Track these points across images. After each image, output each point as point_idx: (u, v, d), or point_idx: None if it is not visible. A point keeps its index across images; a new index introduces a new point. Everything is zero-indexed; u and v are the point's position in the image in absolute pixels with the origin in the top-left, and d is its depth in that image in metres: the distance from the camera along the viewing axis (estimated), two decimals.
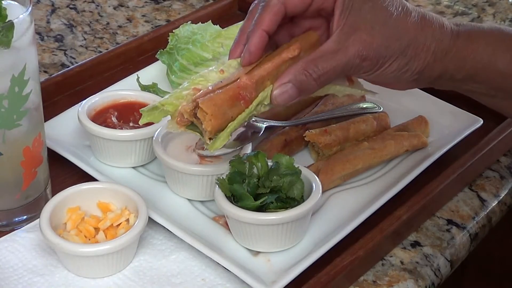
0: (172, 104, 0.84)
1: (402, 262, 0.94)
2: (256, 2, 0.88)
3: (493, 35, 0.87)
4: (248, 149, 0.97)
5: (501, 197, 1.05)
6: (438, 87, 0.91)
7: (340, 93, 0.91)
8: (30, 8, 0.86)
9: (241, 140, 0.98)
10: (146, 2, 1.45)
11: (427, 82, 0.88)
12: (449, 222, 1.00)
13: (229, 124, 0.84)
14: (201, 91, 0.84)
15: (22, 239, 0.92)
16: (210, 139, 0.84)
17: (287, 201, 0.89)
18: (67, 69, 1.21)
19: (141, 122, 0.87)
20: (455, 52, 0.85)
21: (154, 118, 0.86)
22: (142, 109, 0.86)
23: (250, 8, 0.88)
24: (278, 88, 0.84)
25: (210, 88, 0.84)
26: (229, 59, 0.87)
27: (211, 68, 0.86)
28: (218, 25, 1.18)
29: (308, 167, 0.98)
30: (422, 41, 0.84)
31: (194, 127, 0.85)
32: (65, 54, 1.30)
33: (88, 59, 1.23)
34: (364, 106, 1.10)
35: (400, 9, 0.84)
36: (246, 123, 1.00)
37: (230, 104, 0.83)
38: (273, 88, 0.84)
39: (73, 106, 1.09)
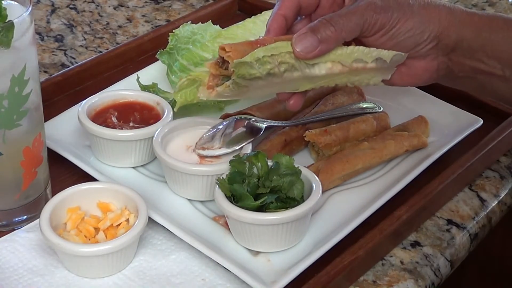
0: (201, 74, 0.86)
1: (402, 262, 0.94)
2: None
3: (502, 17, 0.91)
4: (248, 149, 0.97)
5: (501, 197, 1.05)
6: (458, 71, 0.93)
7: (368, 57, 0.90)
8: (30, 8, 0.86)
9: (241, 140, 0.99)
10: (146, 2, 1.45)
11: (446, 57, 0.90)
12: (449, 222, 1.00)
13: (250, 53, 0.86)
14: None
15: (22, 239, 0.92)
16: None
17: (287, 201, 0.89)
18: (67, 69, 1.21)
19: (176, 108, 0.88)
20: (470, 23, 0.89)
21: (190, 96, 0.87)
22: (174, 93, 0.87)
23: None
24: (298, 36, 0.86)
25: None
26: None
27: None
28: (218, 25, 1.18)
29: (308, 167, 0.98)
30: (432, 7, 0.89)
31: (221, 83, 0.86)
32: (65, 54, 1.30)
33: (88, 59, 1.23)
34: (364, 106, 1.10)
35: None
36: (246, 122, 1.00)
37: (250, 47, 0.86)
38: (293, 38, 0.87)
39: (73, 106, 1.09)
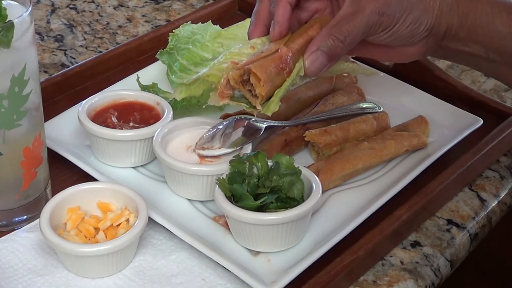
0: (215, 76, 0.86)
1: (402, 262, 0.94)
2: None
3: (489, 0, 0.92)
4: (248, 149, 0.97)
5: (501, 197, 1.05)
6: (444, 53, 0.94)
7: (355, 72, 0.95)
8: (30, 8, 0.86)
9: (241, 140, 0.99)
10: (146, 2, 1.45)
11: (435, 43, 0.92)
12: (449, 222, 1.00)
13: (276, 91, 0.87)
14: (245, 60, 0.87)
15: (22, 239, 0.92)
16: (260, 105, 0.88)
17: (287, 201, 0.89)
18: (67, 69, 1.21)
19: (179, 97, 0.87)
20: (458, 7, 0.90)
21: (195, 91, 0.87)
22: (182, 82, 0.86)
23: None
24: (309, 57, 0.88)
25: (252, 57, 0.87)
26: (250, 39, 0.92)
27: (238, 46, 0.89)
28: (218, 25, 1.18)
29: (308, 167, 0.98)
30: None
31: (237, 98, 0.87)
32: (65, 54, 1.30)
33: (88, 59, 1.23)
34: (364, 106, 1.10)
35: None
36: (246, 122, 1.00)
37: (276, 73, 0.87)
38: (304, 58, 0.88)
39: (73, 106, 1.09)
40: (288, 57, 0.88)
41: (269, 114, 0.88)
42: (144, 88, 1.10)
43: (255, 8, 0.93)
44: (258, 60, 0.87)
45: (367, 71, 0.95)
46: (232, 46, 1.12)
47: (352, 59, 1.01)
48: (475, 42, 0.91)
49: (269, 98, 0.89)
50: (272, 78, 0.87)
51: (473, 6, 0.91)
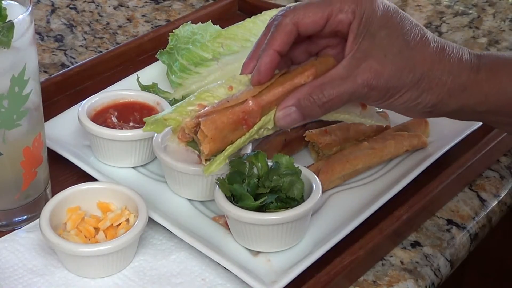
0: (175, 120, 0.84)
1: (402, 262, 0.94)
2: (273, 17, 0.84)
3: None
4: (248, 149, 0.97)
5: (501, 197, 1.05)
6: (459, 118, 0.88)
7: (350, 121, 0.91)
8: (30, 8, 0.86)
9: None
10: (146, 2, 1.45)
11: (444, 114, 0.85)
12: (449, 222, 1.00)
13: (227, 147, 0.83)
14: (206, 107, 0.83)
15: (22, 239, 0.92)
16: (206, 160, 0.84)
17: (287, 201, 0.89)
18: (67, 69, 1.21)
19: (144, 130, 0.86)
20: (475, 87, 0.81)
21: (156, 129, 0.85)
22: (146, 118, 0.85)
23: (268, 23, 0.85)
24: (282, 110, 0.82)
25: (215, 105, 0.82)
26: (241, 73, 0.86)
27: (220, 82, 0.85)
28: (218, 25, 1.18)
29: (308, 167, 0.98)
30: (437, 75, 0.80)
31: (194, 144, 0.85)
32: (65, 54, 1.30)
33: (88, 59, 1.23)
34: None
35: (418, 38, 0.80)
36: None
37: (232, 128, 0.82)
38: (277, 110, 0.82)
39: (73, 106, 1.09)
40: (254, 112, 0.82)
41: (206, 175, 0.85)
42: (144, 88, 1.10)
43: (259, 37, 0.86)
44: (217, 112, 0.82)
45: (373, 120, 0.90)
46: (233, 46, 1.13)
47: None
48: (497, 114, 0.83)
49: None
50: (224, 135, 0.82)
51: (497, 82, 0.81)
